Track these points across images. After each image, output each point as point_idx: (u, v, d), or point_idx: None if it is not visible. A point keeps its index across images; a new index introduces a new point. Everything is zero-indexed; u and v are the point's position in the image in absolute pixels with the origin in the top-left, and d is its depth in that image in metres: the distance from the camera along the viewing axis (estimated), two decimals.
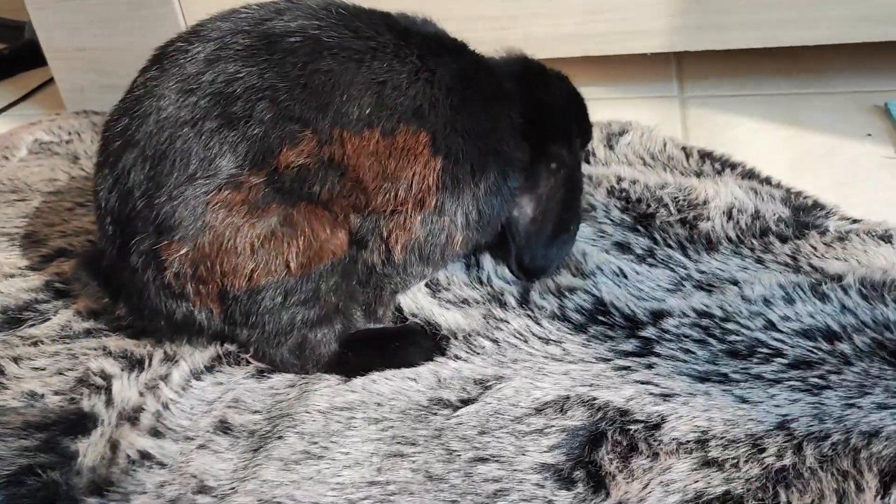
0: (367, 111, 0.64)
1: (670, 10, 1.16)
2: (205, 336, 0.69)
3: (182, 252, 0.62)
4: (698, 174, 0.93)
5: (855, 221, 0.82)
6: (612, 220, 0.86)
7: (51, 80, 1.41)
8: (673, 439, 0.59)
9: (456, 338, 0.71)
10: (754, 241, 0.79)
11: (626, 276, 0.76)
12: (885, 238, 0.78)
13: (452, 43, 0.73)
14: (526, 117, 0.75)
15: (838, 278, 0.72)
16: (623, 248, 0.81)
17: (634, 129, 1.03)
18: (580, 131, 0.82)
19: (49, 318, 0.82)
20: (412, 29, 0.70)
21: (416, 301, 0.76)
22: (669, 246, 0.80)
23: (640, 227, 0.84)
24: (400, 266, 0.71)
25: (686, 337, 0.68)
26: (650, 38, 1.19)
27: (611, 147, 1.00)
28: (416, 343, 0.70)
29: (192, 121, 0.61)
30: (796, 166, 1.01)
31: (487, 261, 0.80)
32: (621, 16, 1.18)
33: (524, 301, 0.74)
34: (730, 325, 0.68)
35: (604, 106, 1.25)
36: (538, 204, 0.75)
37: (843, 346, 0.65)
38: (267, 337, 0.67)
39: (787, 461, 0.57)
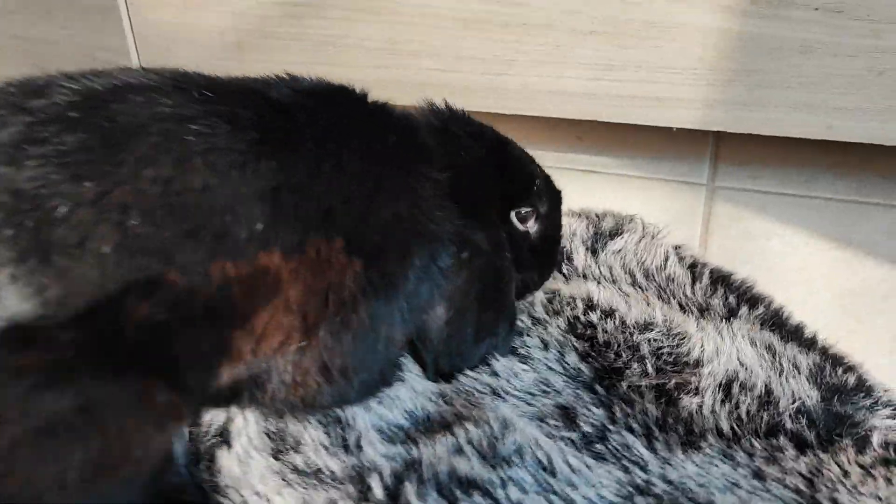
0: (260, 228, 0.45)
1: (707, 77, 0.91)
2: None
3: None
4: (702, 311, 0.68)
5: None
6: (565, 368, 0.61)
7: None
8: None
9: None
10: (755, 443, 0.54)
11: (553, 474, 0.51)
12: None
13: (343, 93, 0.55)
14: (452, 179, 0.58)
15: None
16: (567, 417, 0.57)
17: (631, 231, 0.78)
18: (511, 192, 0.64)
19: None
20: (291, 95, 0.52)
21: (246, 464, 0.53)
22: (630, 429, 0.55)
23: (598, 387, 0.59)
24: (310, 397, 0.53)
25: None
26: (677, 109, 0.94)
27: (594, 252, 0.75)
28: None
29: None
30: (845, 307, 0.76)
31: (362, 418, 0.56)
32: (642, 76, 0.93)
33: (394, 495, 0.50)
34: None
35: (611, 183, 1.00)
36: (451, 303, 0.57)
37: None
38: None
39: None
